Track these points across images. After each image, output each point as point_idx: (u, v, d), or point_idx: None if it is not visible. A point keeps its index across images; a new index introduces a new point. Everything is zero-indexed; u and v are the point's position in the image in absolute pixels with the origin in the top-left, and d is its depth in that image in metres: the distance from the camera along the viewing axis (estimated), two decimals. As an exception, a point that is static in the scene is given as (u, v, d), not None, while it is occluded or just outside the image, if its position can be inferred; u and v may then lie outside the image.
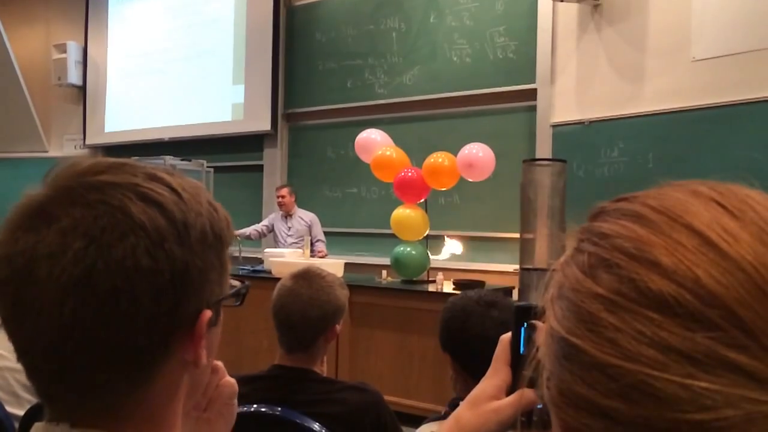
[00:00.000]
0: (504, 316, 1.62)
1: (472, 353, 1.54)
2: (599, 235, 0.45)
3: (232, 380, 0.83)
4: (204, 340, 0.65)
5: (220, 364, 0.81)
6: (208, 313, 0.65)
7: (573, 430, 0.43)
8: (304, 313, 1.78)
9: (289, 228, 6.16)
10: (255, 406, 1.67)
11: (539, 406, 0.65)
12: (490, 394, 0.76)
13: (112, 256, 0.59)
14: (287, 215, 6.18)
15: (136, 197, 0.61)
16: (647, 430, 0.39)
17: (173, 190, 0.64)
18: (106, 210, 0.60)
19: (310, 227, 6.14)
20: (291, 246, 5.97)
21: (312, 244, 5.72)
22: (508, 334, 0.76)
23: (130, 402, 0.63)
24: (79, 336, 0.58)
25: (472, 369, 1.55)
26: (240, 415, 1.69)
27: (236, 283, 0.75)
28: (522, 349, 0.74)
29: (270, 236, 6.44)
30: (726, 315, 0.38)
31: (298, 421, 1.62)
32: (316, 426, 1.61)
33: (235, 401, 0.84)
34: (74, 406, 0.62)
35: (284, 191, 6.16)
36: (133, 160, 0.69)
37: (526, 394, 0.72)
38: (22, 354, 0.61)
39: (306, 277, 1.84)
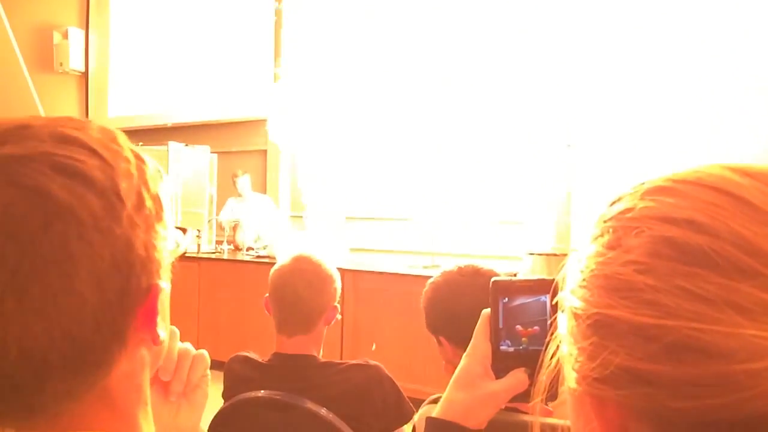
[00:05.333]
0: (488, 282, 1.57)
1: (465, 327, 1.50)
2: (621, 212, 0.45)
3: (203, 353, 0.76)
4: (159, 315, 0.58)
5: (173, 329, 0.72)
6: (160, 285, 0.57)
7: (609, 408, 0.42)
8: (310, 287, 1.78)
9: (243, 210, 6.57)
10: (262, 391, 1.68)
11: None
12: (479, 373, 0.75)
13: (38, 252, 0.48)
14: (242, 198, 6.65)
15: (52, 171, 0.50)
16: (692, 388, 0.38)
17: (93, 151, 0.54)
18: (18, 194, 0.49)
19: (265, 209, 6.63)
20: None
21: None
22: (488, 309, 0.76)
23: (88, 398, 0.55)
24: (15, 351, 0.49)
25: (465, 344, 1.51)
26: (247, 400, 1.70)
27: (176, 232, 0.65)
28: (501, 323, 0.74)
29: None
30: None
31: (304, 406, 1.62)
32: (323, 411, 1.61)
33: (209, 372, 0.77)
34: (21, 418, 0.53)
35: (247, 177, 6.62)
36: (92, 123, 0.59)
37: (518, 375, 0.73)
38: None
39: (303, 257, 1.85)
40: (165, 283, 0.59)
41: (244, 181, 6.56)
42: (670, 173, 0.45)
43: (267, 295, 1.84)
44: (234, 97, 7.43)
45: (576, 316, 0.45)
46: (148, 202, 0.56)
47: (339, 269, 1.96)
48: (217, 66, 7.53)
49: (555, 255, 4.25)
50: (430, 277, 1.68)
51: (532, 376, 0.67)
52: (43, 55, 8.57)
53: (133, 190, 0.55)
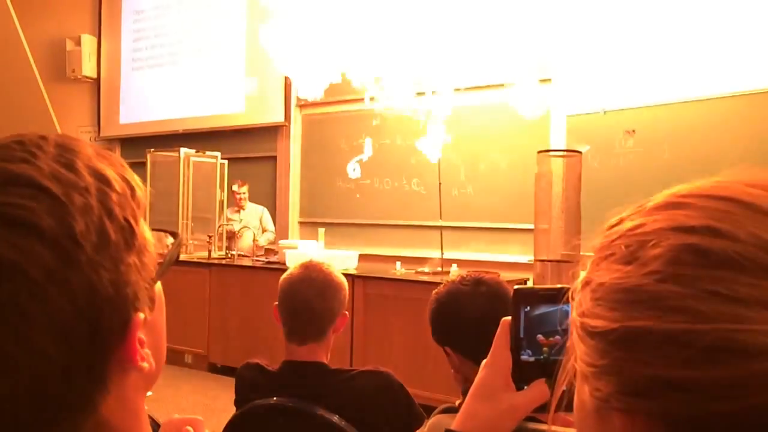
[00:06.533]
0: (493, 290, 1.57)
1: (470, 336, 1.50)
2: (630, 229, 0.45)
3: None
4: (140, 344, 0.55)
5: (198, 419, 0.70)
6: (138, 318, 0.54)
7: (638, 420, 0.42)
8: (321, 294, 1.79)
9: (241, 220, 6.72)
10: (274, 399, 1.68)
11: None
12: (500, 384, 0.74)
13: None
14: (240, 209, 6.82)
15: None
16: (734, 389, 0.38)
17: (42, 188, 0.48)
18: None
19: (260, 218, 6.84)
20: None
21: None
22: (509, 318, 0.75)
23: None
24: None
25: (472, 353, 1.50)
26: (259, 408, 1.71)
27: (160, 235, 0.62)
28: (522, 332, 0.74)
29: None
30: None
31: (316, 413, 1.63)
32: (335, 418, 1.62)
33: None
34: None
35: (246, 188, 6.80)
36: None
37: (540, 386, 0.72)
38: None
39: (311, 265, 1.87)
40: (147, 310, 0.56)
41: (243, 192, 6.73)
42: (674, 190, 0.46)
43: (276, 303, 1.85)
44: (244, 104, 7.46)
45: (594, 335, 0.45)
46: (113, 234, 0.51)
47: (349, 276, 1.97)
48: (228, 73, 7.56)
49: (565, 262, 4.24)
50: (439, 283, 1.69)
51: (553, 386, 0.67)
52: (56, 63, 8.65)
53: (92, 227, 0.50)
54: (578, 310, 0.47)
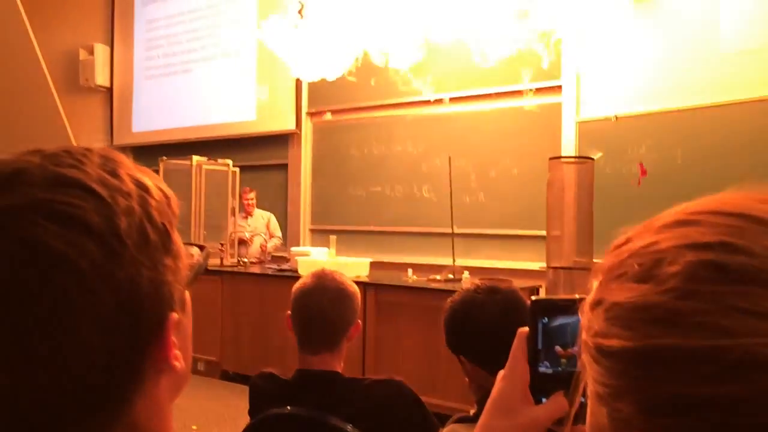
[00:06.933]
0: (508, 299, 1.57)
1: (484, 345, 1.50)
2: (642, 248, 0.45)
3: None
4: (175, 344, 0.57)
5: None
6: (173, 317, 0.56)
7: None
8: (334, 304, 1.79)
9: (249, 226, 6.79)
10: (288, 408, 1.68)
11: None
12: (517, 397, 0.73)
13: (39, 307, 0.47)
14: (247, 215, 6.87)
15: (48, 220, 0.49)
16: (755, 405, 0.38)
17: (89, 190, 0.52)
18: (12, 248, 0.47)
19: (267, 224, 6.88)
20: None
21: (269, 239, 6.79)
22: (525, 329, 0.74)
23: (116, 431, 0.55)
24: (27, 403, 0.49)
25: (486, 362, 1.50)
26: (273, 417, 1.70)
27: (194, 251, 0.65)
28: (540, 344, 0.73)
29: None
30: None
31: (330, 422, 1.63)
32: (349, 427, 1.61)
33: None
34: None
35: (253, 194, 6.86)
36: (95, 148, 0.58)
37: (558, 399, 0.71)
38: None
39: (324, 274, 1.86)
40: (179, 312, 0.58)
41: (251, 198, 6.79)
42: (681, 208, 0.46)
43: (289, 312, 1.85)
44: (256, 112, 7.49)
45: (610, 355, 0.44)
46: (153, 236, 0.54)
47: (360, 283, 1.97)
48: (240, 81, 7.60)
49: (578, 269, 4.22)
50: (451, 291, 1.69)
51: (572, 398, 0.66)
52: (70, 72, 8.73)
53: (134, 227, 0.53)
54: (590, 331, 0.47)
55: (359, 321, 1.87)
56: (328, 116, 7.01)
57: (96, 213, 0.51)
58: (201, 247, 0.66)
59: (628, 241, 0.47)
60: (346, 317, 1.81)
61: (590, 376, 0.46)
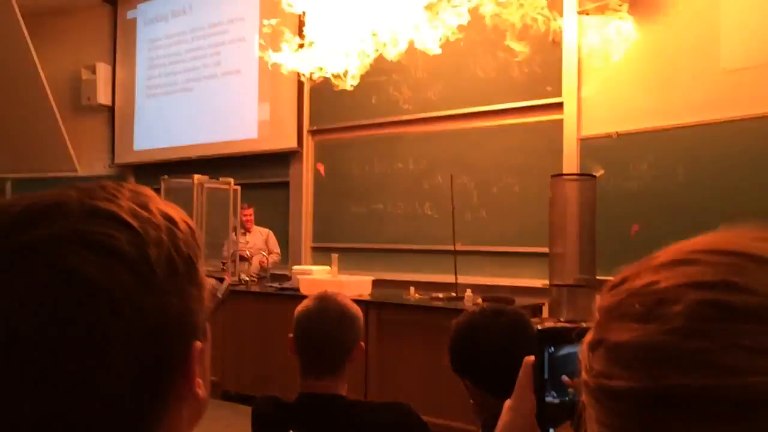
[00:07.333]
0: (513, 322, 1.57)
1: (489, 369, 1.49)
2: (643, 287, 0.44)
3: None
4: (198, 372, 0.59)
5: None
6: (198, 345, 0.59)
7: None
8: (338, 327, 1.78)
9: (247, 242, 6.74)
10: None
11: None
12: (525, 428, 0.73)
13: (74, 332, 0.50)
14: (246, 231, 6.84)
15: (84, 249, 0.52)
16: None
17: (124, 223, 0.55)
18: (53, 276, 0.50)
19: (266, 241, 6.83)
20: None
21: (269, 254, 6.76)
22: (531, 358, 0.74)
23: None
24: (61, 426, 0.50)
25: (491, 386, 1.49)
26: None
27: (212, 281, 0.68)
28: (546, 373, 0.72)
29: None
30: None
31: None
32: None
33: None
34: None
35: (251, 210, 6.83)
36: (109, 183, 0.60)
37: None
38: None
39: (327, 297, 1.85)
40: (202, 341, 0.60)
41: (248, 214, 6.78)
42: (678, 247, 0.46)
43: (291, 335, 1.83)
44: (257, 130, 7.51)
45: (614, 395, 0.44)
46: (180, 266, 0.57)
47: (363, 302, 1.96)
48: (241, 99, 7.64)
49: (580, 287, 4.20)
50: (454, 309, 1.68)
51: (578, 428, 0.65)
52: (72, 91, 8.77)
53: (163, 258, 0.55)
54: (591, 371, 0.46)
55: (362, 343, 1.85)
56: (321, 170, 7.07)
57: (129, 243, 0.54)
58: (221, 280, 0.69)
59: (625, 280, 0.47)
60: (349, 340, 1.79)
61: (591, 416, 0.46)
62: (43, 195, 0.56)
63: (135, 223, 0.55)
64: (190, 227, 0.61)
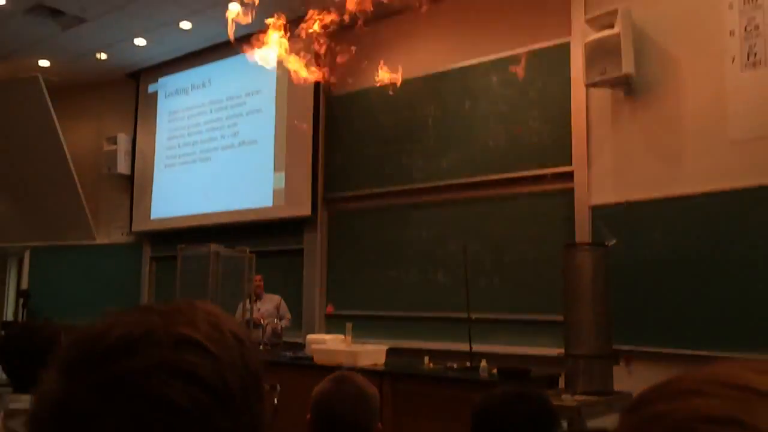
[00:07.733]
0: (536, 406, 1.57)
1: None
2: (654, 416, 0.47)
3: None
4: None
5: None
6: None
7: None
8: (355, 410, 1.78)
9: (259, 309, 6.71)
10: None
11: None
12: None
13: None
14: (257, 299, 6.80)
15: (173, 378, 0.57)
16: None
17: (206, 350, 0.60)
18: (146, 405, 0.55)
19: (278, 307, 6.80)
20: None
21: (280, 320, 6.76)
22: None
23: None
24: None
25: None
26: None
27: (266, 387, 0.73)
28: None
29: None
30: None
31: None
32: None
33: None
34: None
35: (260, 277, 6.82)
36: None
37: None
38: None
39: (343, 378, 1.86)
40: None
41: (258, 282, 6.79)
42: (689, 375, 0.48)
43: (308, 416, 1.84)
44: (273, 199, 7.62)
45: None
46: (249, 384, 0.62)
47: (377, 372, 1.96)
48: (257, 168, 7.77)
49: (597, 357, 4.16)
50: (469, 380, 1.69)
51: None
52: (94, 160, 8.98)
53: (237, 379, 0.60)
54: None
55: (380, 424, 1.85)
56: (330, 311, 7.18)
57: (210, 369, 0.58)
58: (273, 387, 0.72)
59: (641, 405, 0.49)
60: (366, 421, 1.80)
61: None
62: (131, 324, 0.61)
63: (213, 348, 0.60)
64: (251, 341, 0.66)
